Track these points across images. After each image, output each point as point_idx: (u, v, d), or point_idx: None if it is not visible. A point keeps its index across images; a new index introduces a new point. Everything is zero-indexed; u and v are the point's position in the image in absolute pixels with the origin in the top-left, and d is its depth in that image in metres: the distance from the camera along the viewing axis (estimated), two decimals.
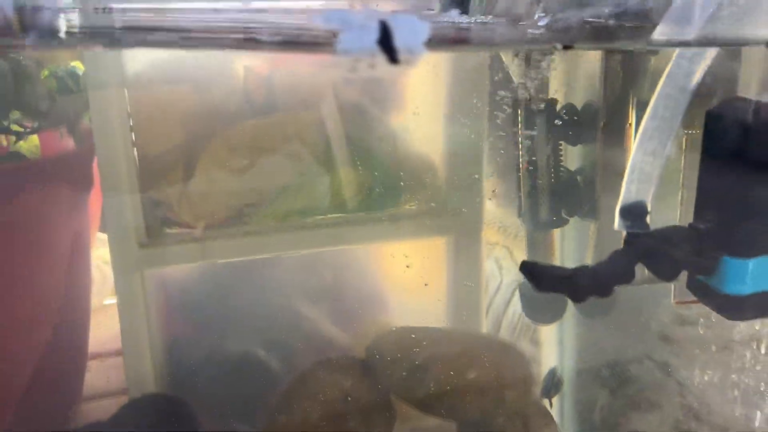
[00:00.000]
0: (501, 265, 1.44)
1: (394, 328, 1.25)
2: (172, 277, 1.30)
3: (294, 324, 1.39)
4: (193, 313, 1.33)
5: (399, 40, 0.52)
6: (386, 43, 0.53)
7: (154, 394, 1.28)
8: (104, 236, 1.27)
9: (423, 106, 1.36)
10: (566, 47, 0.66)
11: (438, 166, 1.37)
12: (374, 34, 0.52)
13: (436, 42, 0.61)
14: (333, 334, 1.36)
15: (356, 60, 0.56)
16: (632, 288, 0.90)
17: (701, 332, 1.26)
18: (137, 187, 1.22)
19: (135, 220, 1.22)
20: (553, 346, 1.38)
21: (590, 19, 0.66)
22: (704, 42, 0.73)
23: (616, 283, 0.84)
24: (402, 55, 0.53)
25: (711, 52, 0.83)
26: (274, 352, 1.37)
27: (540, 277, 0.84)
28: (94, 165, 1.22)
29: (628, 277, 0.84)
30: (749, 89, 0.88)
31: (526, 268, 0.84)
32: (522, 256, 1.34)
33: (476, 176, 1.31)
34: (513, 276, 1.43)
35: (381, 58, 0.54)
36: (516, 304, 1.42)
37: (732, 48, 0.86)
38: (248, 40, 0.59)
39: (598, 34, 0.67)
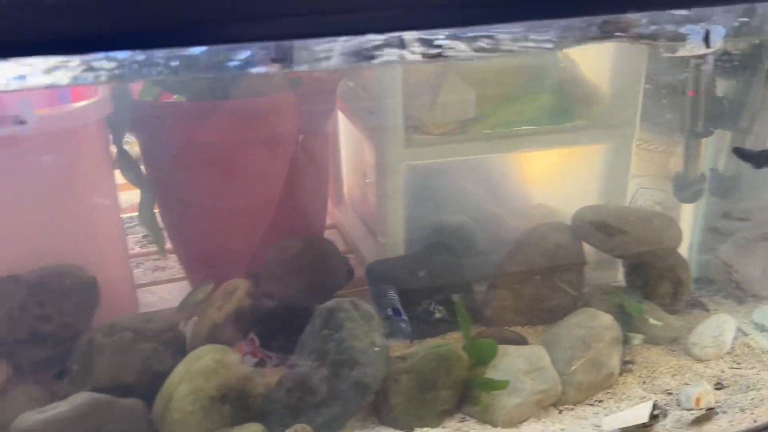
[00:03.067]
0: None
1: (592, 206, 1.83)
2: (420, 168, 1.87)
3: (499, 203, 1.98)
4: (429, 194, 1.91)
5: None
6: None
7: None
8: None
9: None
10: None
11: (603, 89, 1.91)
12: None
13: None
14: (533, 211, 1.95)
15: None
16: None
17: None
18: (401, 106, 1.78)
19: (398, 129, 1.79)
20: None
21: None
22: None
23: None
24: None
25: None
26: (481, 224, 1.96)
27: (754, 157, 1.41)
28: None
29: None
30: None
31: (739, 152, 1.42)
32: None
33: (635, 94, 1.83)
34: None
35: None
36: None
37: None
38: None
39: None
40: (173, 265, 2.16)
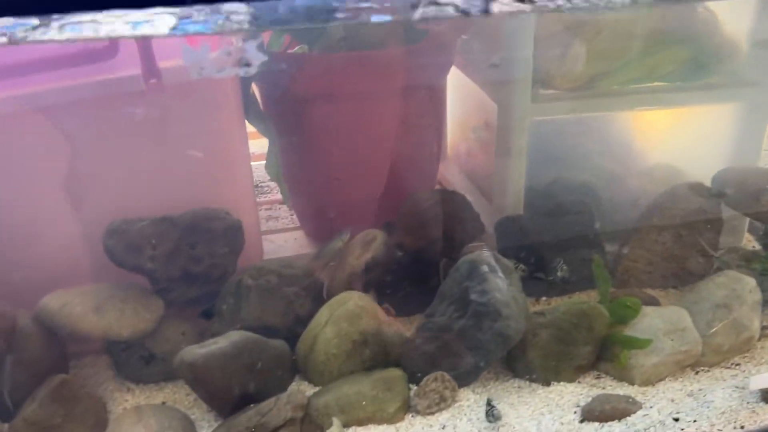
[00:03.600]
0: None
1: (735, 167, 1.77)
2: (544, 124, 1.84)
3: (622, 162, 1.94)
4: (551, 151, 1.88)
5: None
6: None
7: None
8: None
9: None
10: None
11: (742, 45, 1.82)
12: None
13: None
14: (657, 171, 1.90)
15: None
16: None
17: None
18: (531, 58, 1.74)
19: (526, 83, 1.76)
20: None
21: None
22: None
23: None
24: None
25: None
26: (604, 183, 1.92)
27: None
28: None
29: None
30: None
31: None
32: None
33: None
34: None
35: None
36: None
37: None
38: None
39: None
40: (285, 215, 2.21)
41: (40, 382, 1.33)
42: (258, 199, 2.29)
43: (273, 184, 2.34)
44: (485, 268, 1.39)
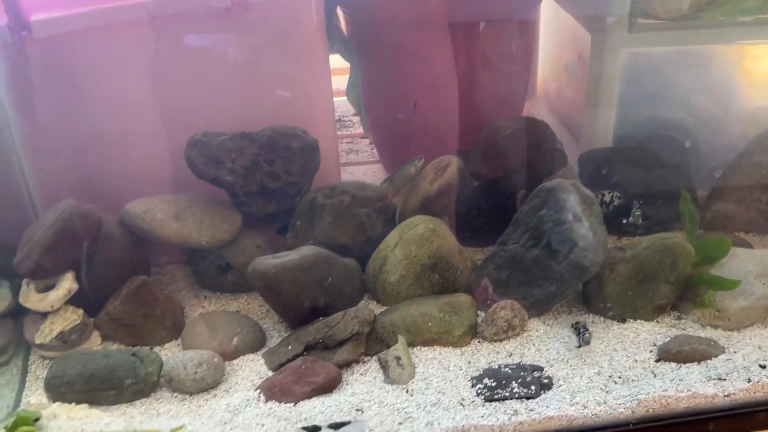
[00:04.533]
0: None
1: None
2: (640, 56, 1.73)
3: (722, 102, 1.81)
4: (646, 85, 1.77)
5: None
6: None
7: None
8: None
9: None
10: None
11: None
12: None
13: None
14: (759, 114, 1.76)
15: None
16: None
17: None
18: None
19: (623, 11, 1.65)
20: None
21: None
22: None
23: None
24: None
25: None
26: (700, 124, 1.80)
27: None
28: None
29: None
30: None
31: None
32: None
33: None
34: None
35: None
36: None
37: None
38: None
39: None
40: (364, 149, 2.21)
41: (123, 283, 1.40)
42: (339, 133, 2.29)
43: (355, 119, 2.34)
44: (564, 195, 1.34)
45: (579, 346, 1.30)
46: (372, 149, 2.17)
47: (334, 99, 1.75)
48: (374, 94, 1.88)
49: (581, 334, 1.31)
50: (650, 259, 1.35)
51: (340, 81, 1.96)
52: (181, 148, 1.46)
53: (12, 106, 1.42)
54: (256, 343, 1.38)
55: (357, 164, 2.12)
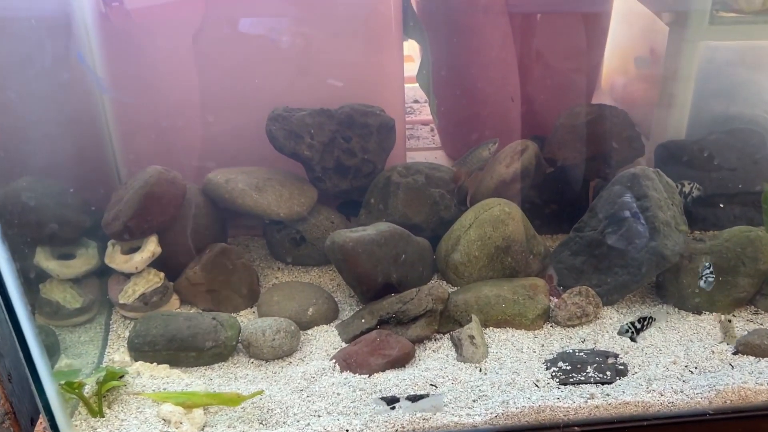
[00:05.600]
0: None
1: None
2: (719, 50, 1.71)
3: None
4: (723, 80, 1.75)
5: None
6: None
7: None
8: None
9: None
10: None
11: None
12: None
13: None
14: None
15: None
16: None
17: None
18: None
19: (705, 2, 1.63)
20: None
21: None
22: None
23: None
24: None
25: None
26: None
27: None
28: None
29: None
30: None
31: None
32: None
33: None
34: None
35: None
36: None
37: None
38: None
39: None
40: (426, 135, 2.22)
41: (203, 250, 1.44)
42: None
43: (416, 106, 2.35)
44: (648, 183, 1.33)
45: (630, 339, 1.31)
46: (433, 136, 2.18)
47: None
48: (445, 78, 1.88)
49: (627, 331, 1.31)
50: (731, 252, 1.33)
51: (411, 68, 1.98)
52: (260, 124, 1.49)
53: (104, 77, 1.47)
54: (330, 314, 1.40)
55: (418, 150, 2.14)
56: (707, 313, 1.37)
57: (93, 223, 1.39)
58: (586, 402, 1.18)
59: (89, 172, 1.44)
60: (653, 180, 1.33)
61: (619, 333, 1.32)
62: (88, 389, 1.18)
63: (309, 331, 1.38)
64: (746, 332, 1.31)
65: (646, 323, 1.32)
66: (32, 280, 1.34)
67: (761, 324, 1.34)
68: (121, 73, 1.47)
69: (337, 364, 1.27)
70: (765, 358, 1.25)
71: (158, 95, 1.50)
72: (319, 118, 1.49)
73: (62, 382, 1.12)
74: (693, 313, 1.37)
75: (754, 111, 1.78)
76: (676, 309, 1.39)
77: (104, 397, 1.18)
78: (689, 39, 1.66)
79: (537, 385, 1.21)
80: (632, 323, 1.32)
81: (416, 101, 2.40)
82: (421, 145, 2.20)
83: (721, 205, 1.59)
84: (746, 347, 1.26)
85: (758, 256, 1.32)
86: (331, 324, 1.40)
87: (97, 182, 1.44)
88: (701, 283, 1.36)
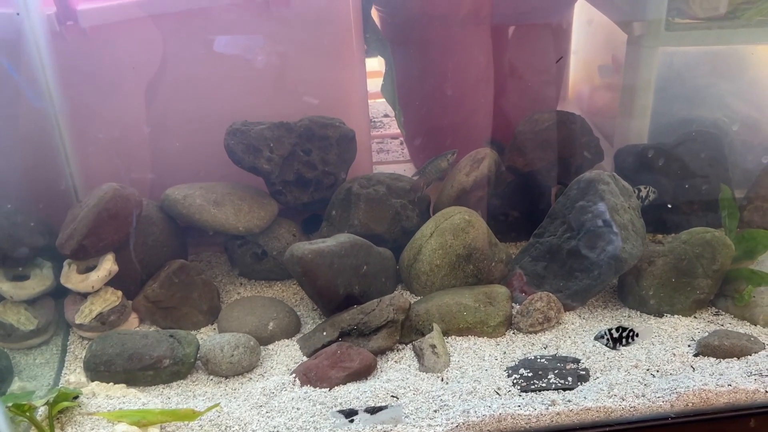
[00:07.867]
0: None
1: None
2: (675, 56, 1.73)
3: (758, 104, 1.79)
4: (681, 86, 1.77)
5: None
6: None
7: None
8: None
9: None
10: None
11: None
12: None
13: None
14: None
15: None
16: None
17: None
18: None
19: (661, 9, 1.65)
20: None
21: None
22: None
23: None
24: None
25: None
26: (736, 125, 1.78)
27: None
28: None
29: None
30: None
31: None
32: None
33: None
34: None
35: None
36: None
37: None
38: None
39: None
40: (395, 149, 2.22)
41: (161, 266, 1.42)
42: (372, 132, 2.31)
43: (385, 120, 2.36)
44: (603, 186, 1.33)
45: (605, 345, 1.31)
46: (402, 149, 2.18)
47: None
48: (410, 91, 1.89)
49: (603, 337, 1.31)
50: (689, 253, 1.33)
51: (372, 83, 1.98)
52: (218, 138, 1.48)
53: (58, 94, 1.45)
54: (291, 328, 1.39)
55: (388, 163, 2.14)
56: (668, 315, 1.37)
57: (47, 242, 1.37)
58: (547, 409, 1.17)
59: (43, 191, 1.42)
60: (609, 184, 1.33)
61: (595, 338, 1.32)
62: (41, 412, 1.16)
63: (270, 346, 1.36)
64: (706, 333, 1.31)
65: (627, 336, 1.31)
66: None
67: (722, 325, 1.35)
68: (76, 92, 1.46)
69: (297, 379, 1.25)
70: (726, 360, 1.25)
71: (116, 112, 1.49)
72: (278, 131, 1.49)
73: (9, 404, 1.10)
74: (654, 315, 1.37)
75: (714, 114, 1.80)
76: (638, 312, 1.39)
77: (57, 419, 1.16)
78: (647, 45, 1.68)
79: (498, 393, 1.20)
80: (609, 330, 1.31)
81: (386, 115, 2.41)
82: (391, 159, 2.21)
83: (675, 208, 1.60)
84: (707, 349, 1.26)
85: (716, 257, 1.33)
86: (293, 338, 1.38)
87: (53, 201, 1.43)
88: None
